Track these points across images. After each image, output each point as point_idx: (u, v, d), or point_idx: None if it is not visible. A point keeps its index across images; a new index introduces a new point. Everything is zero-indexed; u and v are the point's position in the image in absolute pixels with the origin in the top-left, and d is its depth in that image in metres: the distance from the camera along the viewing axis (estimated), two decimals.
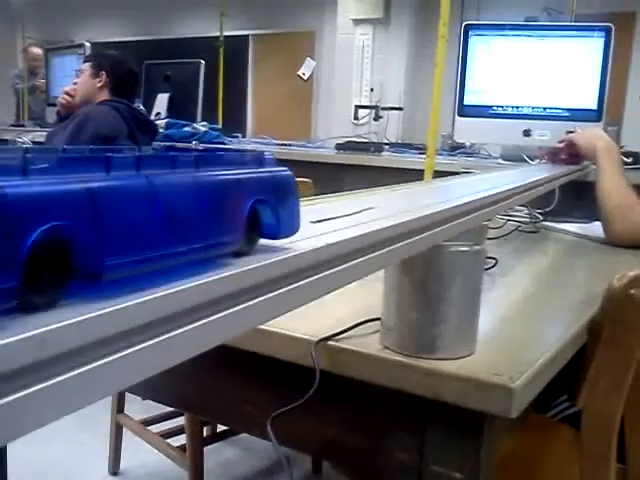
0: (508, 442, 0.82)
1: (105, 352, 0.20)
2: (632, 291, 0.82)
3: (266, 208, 0.30)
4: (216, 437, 1.79)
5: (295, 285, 0.30)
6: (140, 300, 0.21)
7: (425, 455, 0.66)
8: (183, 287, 0.23)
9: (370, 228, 0.38)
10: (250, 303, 0.27)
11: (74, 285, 0.21)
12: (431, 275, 0.66)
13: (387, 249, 0.40)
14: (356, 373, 0.67)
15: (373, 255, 0.36)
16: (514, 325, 0.82)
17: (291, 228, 0.32)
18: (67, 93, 2.54)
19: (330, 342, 0.68)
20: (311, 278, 0.32)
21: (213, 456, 1.93)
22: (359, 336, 0.70)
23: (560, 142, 1.81)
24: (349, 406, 0.71)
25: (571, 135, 1.74)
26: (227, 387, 0.80)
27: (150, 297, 0.22)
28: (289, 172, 0.32)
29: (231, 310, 0.26)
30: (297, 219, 0.32)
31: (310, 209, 0.54)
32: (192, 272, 0.24)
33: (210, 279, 0.25)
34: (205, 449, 1.62)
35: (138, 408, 1.75)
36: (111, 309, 0.20)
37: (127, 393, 1.66)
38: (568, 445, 1.02)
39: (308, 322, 0.73)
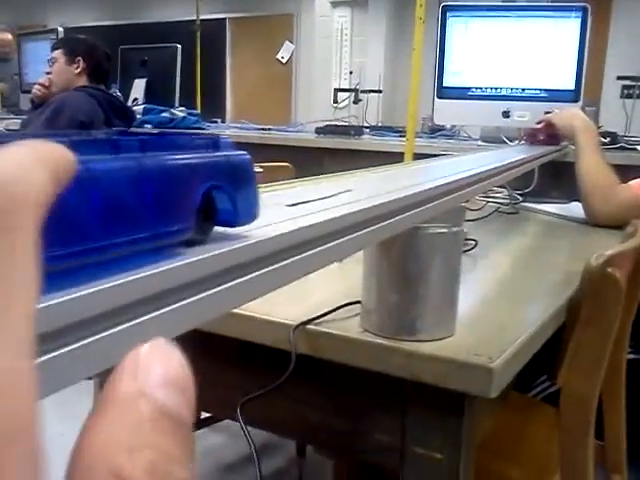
0: (489, 422, 0.83)
1: (45, 348, 0.19)
2: (609, 269, 0.83)
3: (221, 194, 0.28)
4: (200, 424, 1.79)
5: (250, 276, 0.28)
6: (79, 294, 0.20)
7: (406, 436, 0.66)
8: (124, 280, 0.22)
9: (344, 211, 0.38)
10: (201, 295, 0.25)
11: None
12: (410, 257, 0.66)
13: (362, 232, 0.39)
14: (336, 356, 0.67)
15: (346, 238, 0.35)
16: (494, 306, 0.82)
17: (250, 215, 0.30)
18: (41, 84, 2.48)
19: (309, 326, 0.68)
20: (269, 267, 0.30)
21: (198, 443, 1.92)
22: (339, 319, 0.70)
23: (538, 123, 1.81)
24: (330, 389, 0.71)
25: (549, 116, 1.75)
26: (207, 373, 0.79)
27: (90, 290, 0.20)
28: (246, 155, 0.30)
29: (180, 303, 0.24)
30: (256, 205, 0.31)
31: (287, 192, 0.53)
32: (138, 263, 0.23)
33: (154, 271, 0.23)
34: None
35: None
36: (47, 304, 0.19)
37: None
38: (549, 423, 1.04)
39: (289, 306, 0.72)
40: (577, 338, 0.84)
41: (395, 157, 1.95)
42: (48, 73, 2.47)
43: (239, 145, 0.30)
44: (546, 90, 2.09)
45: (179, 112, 2.85)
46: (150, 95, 3.27)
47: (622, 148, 1.96)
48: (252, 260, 0.28)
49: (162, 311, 0.23)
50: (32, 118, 2.41)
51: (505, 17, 2.17)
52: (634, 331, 1.14)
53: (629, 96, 2.92)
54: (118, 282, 0.21)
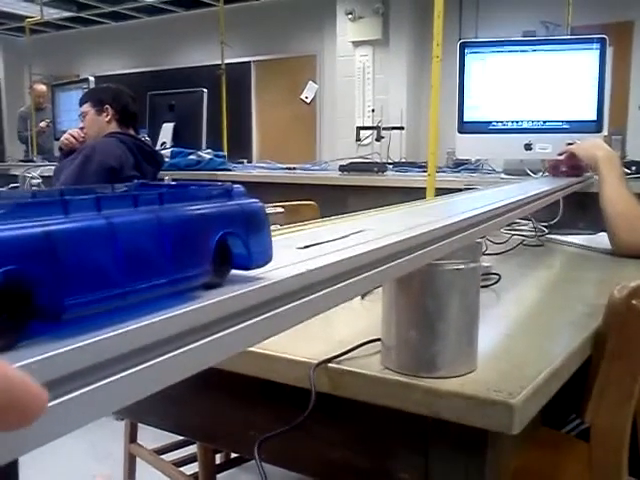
0: (515, 458, 0.82)
1: (65, 390, 0.20)
2: (634, 302, 0.82)
3: (236, 240, 0.31)
4: (229, 464, 1.79)
5: (264, 316, 0.30)
6: (99, 338, 0.22)
7: (430, 474, 0.66)
8: (143, 323, 0.24)
9: (351, 253, 0.39)
10: (218, 335, 0.27)
11: (35, 325, 0.22)
12: (428, 294, 0.66)
13: (371, 272, 0.41)
14: (357, 394, 0.67)
15: (355, 279, 0.36)
16: (516, 341, 0.82)
17: (264, 258, 0.32)
18: (72, 136, 2.56)
19: (331, 364, 0.68)
20: (282, 308, 0.32)
21: None
22: (360, 357, 0.70)
23: (560, 154, 1.81)
24: (351, 427, 0.71)
25: (571, 147, 1.75)
26: (231, 412, 0.80)
27: (110, 334, 0.22)
28: (259, 203, 0.33)
29: (198, 343, 0.26)
30: (269, 249, 0.33)
31: (300, 234, 0.55)
32: (157, 307, 0.25)
33: (173, 314, 0.25)
34: (218, 476, 1.61)
35: (151, 437, 1.75)
36: (68, 348, 0.21)
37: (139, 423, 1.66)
38: (581, 460, 1.01)
39: (310, 344, 0.73)
40: (604, 373, 0.82)
41: (418, 193, 1.96)
42: (82, 128, 2.55)
43: (266, 185, 0.32)
44: (568, 122, 2.09)
45: (206, 154, 2.92)
46: (178, 138, 3.36)
47: None
48: (266, 301, 0.30)
49: (181, 350, 0.25)
50: (65, 165, 2.49)
51: (523, 51, 2.19)
52: None
53: None
54: (141, 324, 0.23)
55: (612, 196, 1.49)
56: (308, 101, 7.58)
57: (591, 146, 1.66)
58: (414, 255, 0.46)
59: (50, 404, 0.19)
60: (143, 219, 0.25)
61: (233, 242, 0.30)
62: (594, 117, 2.04)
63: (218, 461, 1.71)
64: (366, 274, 0.39)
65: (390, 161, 3.19)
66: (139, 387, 0.23)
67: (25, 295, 0.21)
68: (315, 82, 7.52)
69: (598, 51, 2.08)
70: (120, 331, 0.22)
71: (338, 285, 0.35)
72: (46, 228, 0.22)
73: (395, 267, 0.42)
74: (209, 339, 0.26)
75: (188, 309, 0.25)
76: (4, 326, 0.21)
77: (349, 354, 0.70)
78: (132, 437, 1.80)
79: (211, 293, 0.28)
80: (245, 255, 0.31)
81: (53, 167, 2.75)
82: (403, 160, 3.56)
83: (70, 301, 0.22)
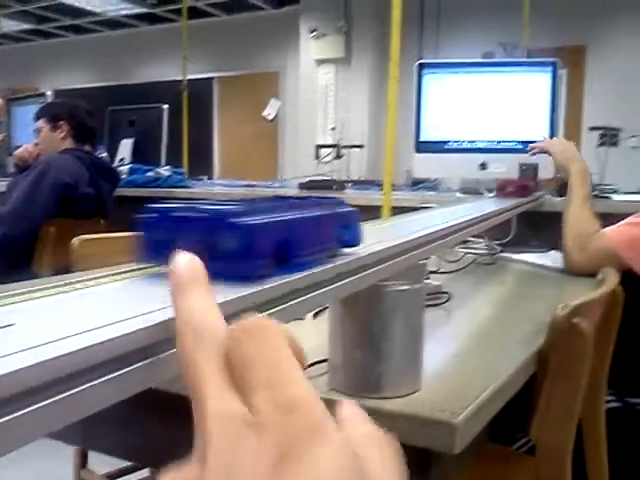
0: (462, 475, 0.83)
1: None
2: (575, 320, 0.84)
3: (344, 230, 0.48)
4: None
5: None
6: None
7: None
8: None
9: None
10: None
11: (282, 266, 0.38)
12: (372, 315, 0.67)
13: (316, 292, 0.41)
14: None
15: (300, 299, 0.38)
16: (462, 360, 0.83)
17: (358, 241, 0.50)
18: (28, 150, 2.52)
19: None
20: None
21: None
22: (308, 378, 0.70)
23: (531, 150, 1.85)
24: None
25: (542, 144, 1.78)
26: (179, 436, 0.79)
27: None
28: (355, 209, 0.50)
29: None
30: (360, 235, 0.50)
31: None
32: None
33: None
34: None
35: (100, 462, 1.71)
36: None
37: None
38: (529, 475, 1.03)
39: None
40: (547, 389, 0.84)
41: (376, 211, 1.99)
42: (37, 144, 2.50)
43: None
44: (521, 142, 2.15)
45: (164, 171, 2.90)
46: (138, 154, 3.32)
47: (595, 197, 2.00)
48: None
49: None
50: (19, 180, 2.44)
51: (478, 73, 2.25)
52: (616, 378, 1.14)
53: (603, 144, 3.00)
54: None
55: (574, 217, 1.50)
56: (270, 118, 7.60)
57: (569, 156, 1.67)
58: (357, 277, 0.48)
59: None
60: (310, 217, 0.43)
61: (343, 231, 0.48)
62: (547, 137, 2.10)
63: None
64: (309, 295, 0.40)
65: (349, 179, 3.22)
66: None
67: (283, 250, 0.39)
68: (277, 99, 7.55)
69: (550, 74, 2.15)
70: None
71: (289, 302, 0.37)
72: (285, 218, 0.40)
73: (338, 288, 0.44)
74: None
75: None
76: (276, 264, 0.38)
77: None
78: (82, 463, 1.75)
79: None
80: (349, 239, 0.49)
81: (6, 182, 2.68)
82: (362, 178, 3.59)
83: (292, 255, 0.39)
